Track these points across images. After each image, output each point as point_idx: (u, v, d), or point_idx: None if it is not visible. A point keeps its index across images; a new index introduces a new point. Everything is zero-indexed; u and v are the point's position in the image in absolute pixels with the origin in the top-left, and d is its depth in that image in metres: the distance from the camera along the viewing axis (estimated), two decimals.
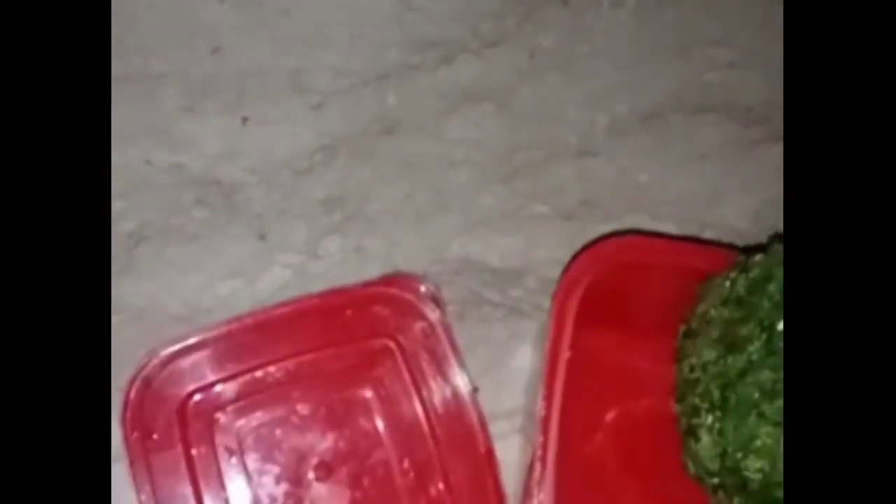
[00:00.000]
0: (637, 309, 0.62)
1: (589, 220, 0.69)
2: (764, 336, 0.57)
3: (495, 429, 0.62)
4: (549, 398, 0.56)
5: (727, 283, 0.60)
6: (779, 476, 0.55)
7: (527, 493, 0.57)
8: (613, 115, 0.72)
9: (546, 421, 0.56)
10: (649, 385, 0.63)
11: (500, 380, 0.65)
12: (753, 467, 0.56)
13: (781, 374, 0.55)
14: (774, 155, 0.74)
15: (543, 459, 0.56)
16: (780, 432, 0.55)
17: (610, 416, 0.64)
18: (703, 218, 0.71)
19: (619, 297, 0.59)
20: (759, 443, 0.56)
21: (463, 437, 0.62)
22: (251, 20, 0.68)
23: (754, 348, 0.57)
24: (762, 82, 0.75)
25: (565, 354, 0.56)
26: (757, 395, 0.56)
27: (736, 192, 0.73)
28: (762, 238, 0.71)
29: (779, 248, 0.59)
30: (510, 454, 0.62)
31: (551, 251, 0.67)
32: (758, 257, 0.59)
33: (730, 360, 0.58)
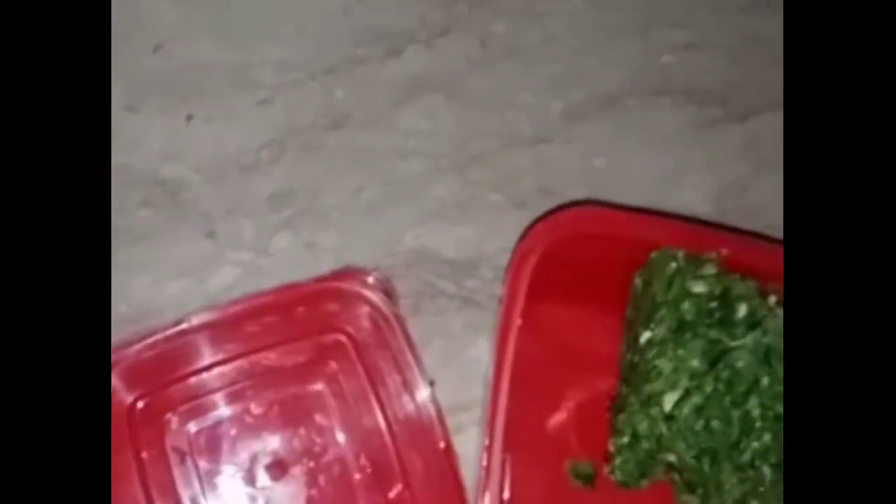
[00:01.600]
0: (596, 282, 0.61)
1: (545, 208, 0.67)
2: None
3: (454, 421, 0.61)
4: (499, 373, 0.55)
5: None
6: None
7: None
8: (569, 101, 0.71)
9: (495, 396, 0.55)
10: (611, 363, 0.62)
11: (458, 372, 0.64)
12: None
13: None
14: (734, 136, 0.73)
15: (492, 435, 0.55)
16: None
17: (571, 394, 0.63)
18: (664, 201, 0.70)
19: (576, 269, 0.58)
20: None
21: (421, 431, 0.61)
22: (193, 15, 0.67)
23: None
24: (720, 63, 0.74)
25: (517, 322, 0.55)
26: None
27: (696, 175, 0.72)
28: (724, 219, 0.70)
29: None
30: (469, 447, 0.61)
31: (507, 240, 0.66)
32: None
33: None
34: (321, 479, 0.61)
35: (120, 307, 0.62)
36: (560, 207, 0.63)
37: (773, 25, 0.75)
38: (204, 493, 0.59)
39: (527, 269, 0.55)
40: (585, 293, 0.61)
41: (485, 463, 0.54)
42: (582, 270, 0.58)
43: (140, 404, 0.59)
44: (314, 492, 0.61)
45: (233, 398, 0.61)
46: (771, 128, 0.73)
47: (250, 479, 0.60)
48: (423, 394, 0.61)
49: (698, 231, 0.59)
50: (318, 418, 0.62)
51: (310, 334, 0.62)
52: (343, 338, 0.62)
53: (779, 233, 0.70)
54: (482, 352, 0.64)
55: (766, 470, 0.53)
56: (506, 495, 0.62)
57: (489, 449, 0.54)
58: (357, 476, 0.61)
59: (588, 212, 0.60)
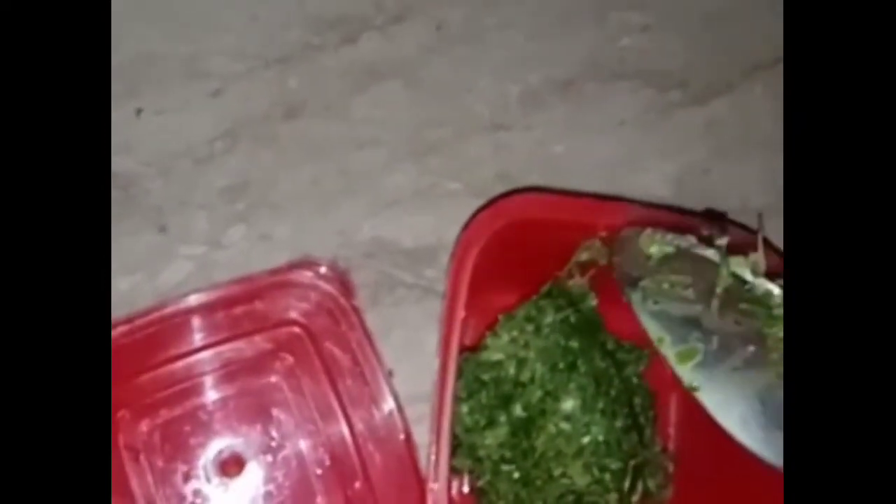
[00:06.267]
0: (540, 269, 0.61)
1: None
2: None
3: (413, 412, 0.61)
4: (445, 367, 0.54)
5: None
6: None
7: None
8: (526, 86, 0.70)
9: (441, 390, 0.54)
10: None
11: (417, 362, 0.63)
12: None
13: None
14: (693, 118, 0.72)
15: (439, 432, 0.54)
16: None
17: None
18: (624, 186, 0.69)
19: (520, 256, 0.57)
20: None
21: (380, 423, 0.61)
22: (143, 5, 0.65)
23: None
24: (679, 45, 0.73)
25: (461, 314, 0.54)
26: None
27: (656, 158, 0.71)
28: (685, 203, 0.70)
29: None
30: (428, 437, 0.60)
31: None
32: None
33: None
34: (279, 475, 0.60)
35: None
36: (502, 196, 0.63)
37: (731, 6, 0.74)
38: (158, 492, 0.58)
39: (469, 260, 0.54)
40: (530, 280, 0.61)
41: (433, 457, 0.53)
42: (525, 258, 0.58)
43: None
44: (272, 488, 0.60)
45: (186, 394, 0.60)
46: (731, 110, 0.73)
47: (206, 476, 0.59)
48: (381, 385, 0.60)
49: (639, 213, 0.59)
50: (275, 413, 0.61)
51: (265, 328, 0.61)
52: (299, 331, 0.61)
53: (739, 215, 0.69)
54: None
55: None
56: (465, 489, 0.62)
57: (437, 443, 0.54)
58: (316, 471, 0.60)
59: (527, 199, 0.59)
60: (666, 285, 0.53)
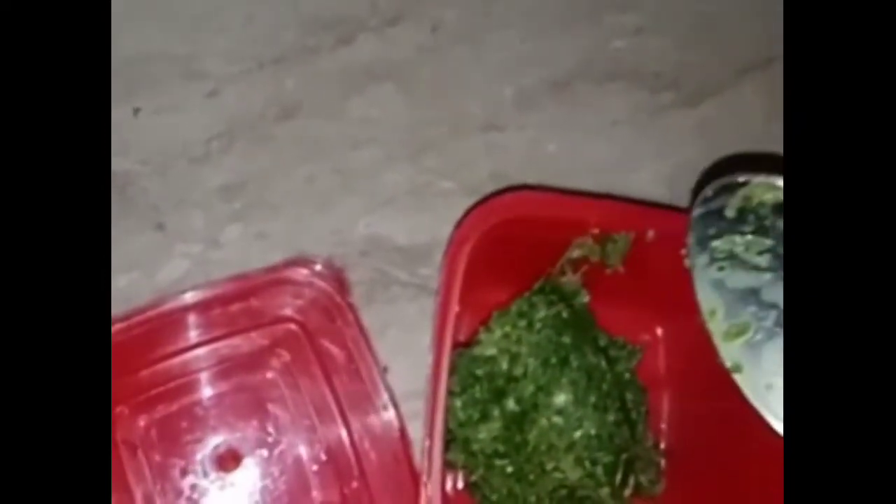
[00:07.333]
0: (532, 266, 0.61)
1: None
2: None
3: (408, 409, 0.62)
4: (438, 362, 0.55)
5: None
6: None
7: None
8: (520, 87, 0.71)
9: (435, 387, 0.55)
10: None
11: (412, 360, 0.63)
12: None
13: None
14: (685, 119, 0.73)
15: (432, 429, 0.55)
16: None
17: None
18: (617, 185, 0.70)
19: (512, 253, 0.58)
20: None
21: (375, 420, 0.61)
22: (139, 5, 0.66)
23: None
24: (671, 47, 0.74)
25: (455, 309, 0.55)
26: None
27: (649, 158, 0.72)
28: (678, 202, 0.70)
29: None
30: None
31: None
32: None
33: None
34: (275, 470, 0.61)
35: None
36: (494, 194, 0.63)
37: (723, 7, 0.75)
38: (156, 486, 0.59)
39: (462, 256, 0.55)
40: (522, 277, 0.61)
41: (427, 452, 0.54)
42: (518, 255, 0.58)
43: None
44: (268, 482, 0.60)
45: (183, 390, 0.60)
46: (722, 111, 0.74)
47: (203, 471, 0.60)
48: (376, 382, 0.61)
49: (631, 211, 0.59)
50: (271, 409, 0.61)
51: (261, 325, 0.62)
52: (295, 328, 0.62)
53: None
54: None
55: None
56: (460, 485, 0.62)
57: (431, 438, 0.54)
58: (312, 466, 0.61)
59: (520, 196, 0.60)
60: (741, 247, 0.51)
